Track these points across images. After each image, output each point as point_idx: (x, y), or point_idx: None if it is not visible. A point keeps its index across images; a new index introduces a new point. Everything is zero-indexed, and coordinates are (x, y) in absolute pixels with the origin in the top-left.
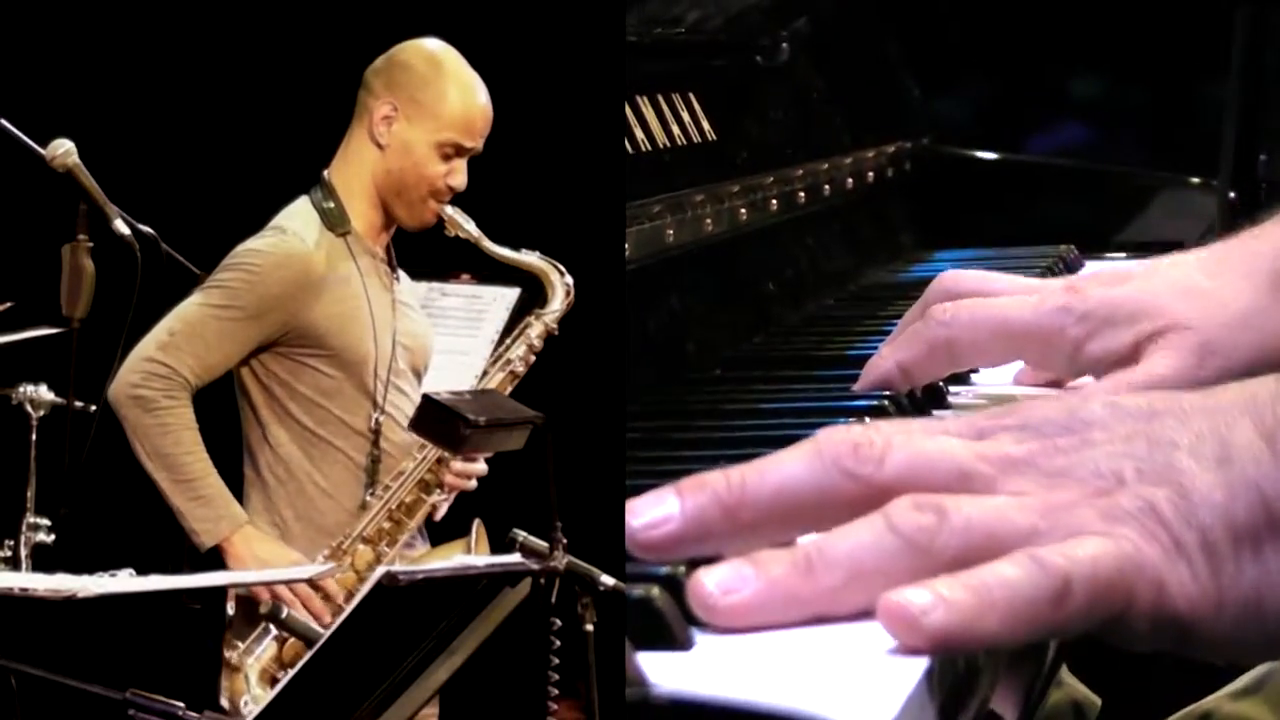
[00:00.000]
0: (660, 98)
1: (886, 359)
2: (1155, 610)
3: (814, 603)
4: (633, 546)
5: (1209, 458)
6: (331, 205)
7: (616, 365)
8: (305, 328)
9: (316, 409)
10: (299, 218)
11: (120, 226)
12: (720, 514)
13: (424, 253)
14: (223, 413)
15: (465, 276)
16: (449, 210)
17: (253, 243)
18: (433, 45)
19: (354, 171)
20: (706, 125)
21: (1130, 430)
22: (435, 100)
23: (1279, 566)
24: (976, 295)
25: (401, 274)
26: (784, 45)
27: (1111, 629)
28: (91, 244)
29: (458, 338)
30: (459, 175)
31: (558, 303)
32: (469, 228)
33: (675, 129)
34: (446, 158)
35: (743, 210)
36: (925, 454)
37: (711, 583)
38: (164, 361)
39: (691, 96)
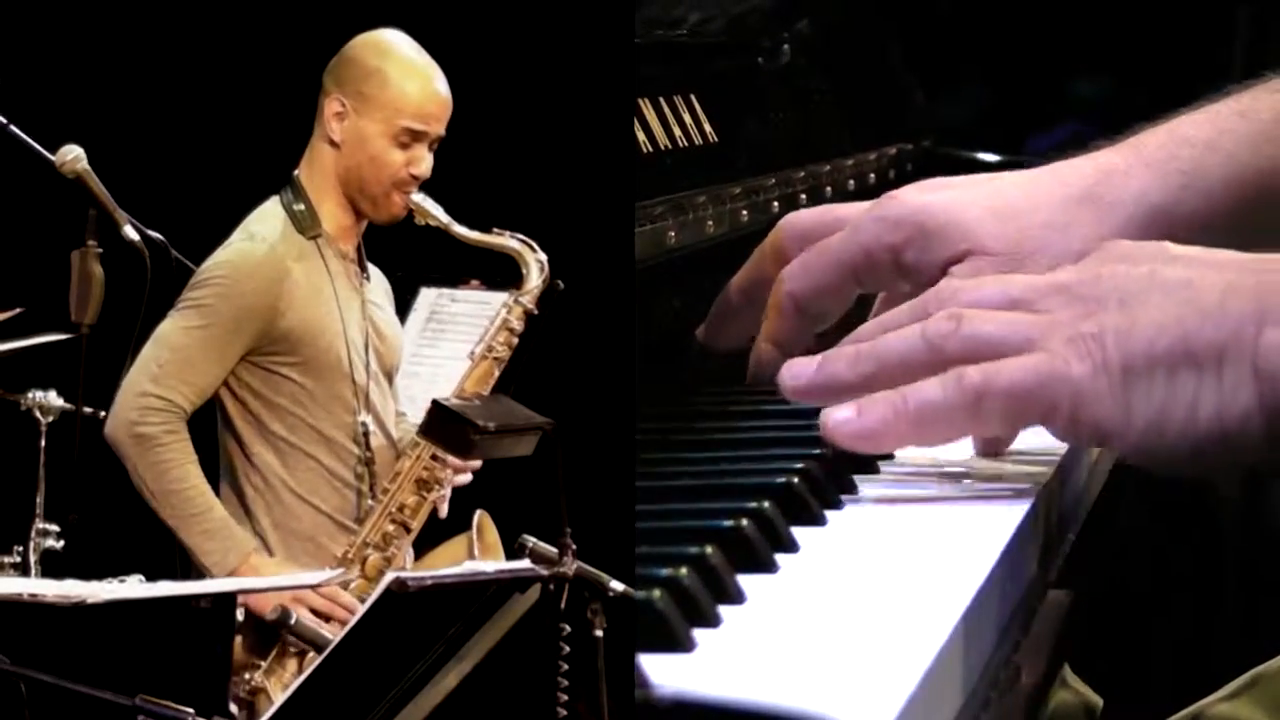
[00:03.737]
0: (662, 100)
1: (759, 342)
2: (1072, 417)
3: (855, 387)
4: (783, 390)
5: (1171, 294)
6: (301, 208)
7: (625, 370)
8: (279, 335)
9: (288, 416)
10: (268, 222)
11: (129, 232)
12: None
13: (434, 260)
14: (200, 422)
15: (474, 283)
16: (415, 198)
17: (221, 254)
18: (383, 35)
19: (318, 172)
20: (708, 127)
21: (1151, 263)
22: (381, 89)
23: (1185, 394)
24: (817, 232)
25: (372, 272)
26: (785, 47)
27: (1045, 428)
28: (101, 250)
29: (468, 343)
30: (421, 163)
31: (534, 281)
32: (437, 214)
33: (677, 131)
34: (403, 146)
35: (744, 212)
36: (982, 290)
37: (785, 369)
38: (158, 394)
39: (693, 98)
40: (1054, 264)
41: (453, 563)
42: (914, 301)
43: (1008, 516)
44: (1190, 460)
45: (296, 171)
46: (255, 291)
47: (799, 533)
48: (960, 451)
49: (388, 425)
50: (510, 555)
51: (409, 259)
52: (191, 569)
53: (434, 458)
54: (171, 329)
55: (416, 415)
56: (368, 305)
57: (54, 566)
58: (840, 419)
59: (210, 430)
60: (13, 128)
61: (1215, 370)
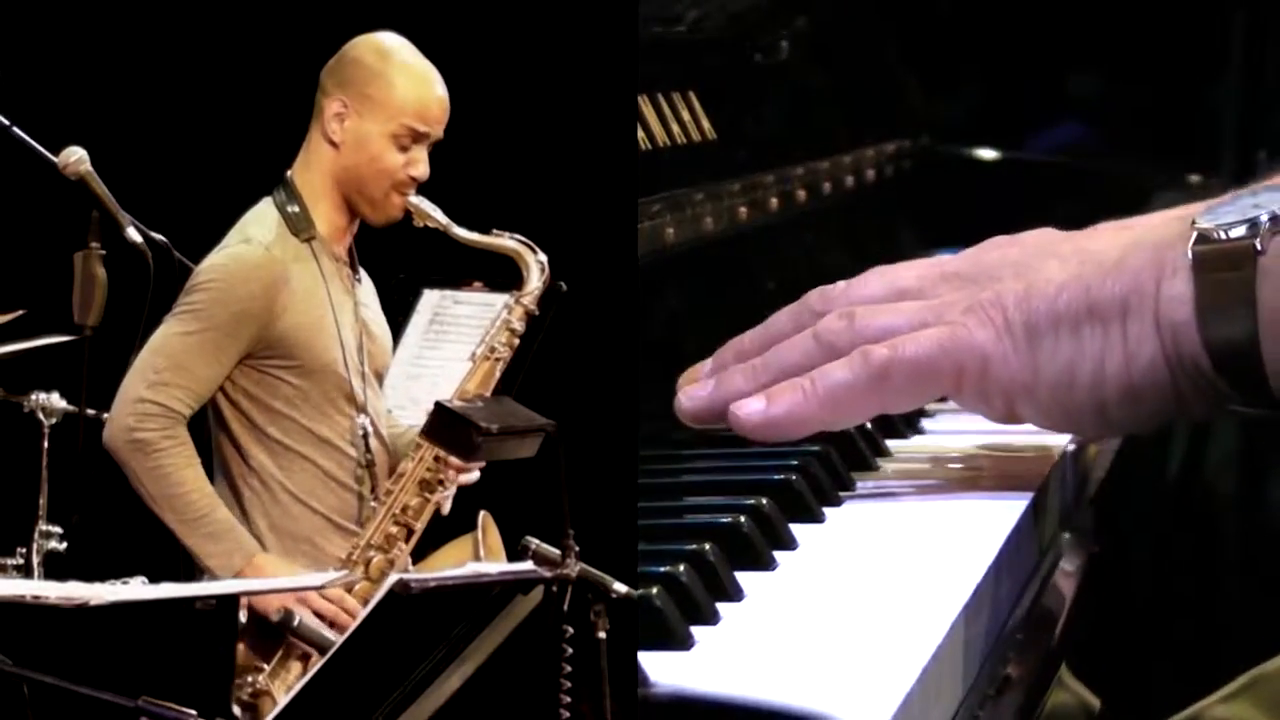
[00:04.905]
0: (660, 96)
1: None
2: (981, 380)
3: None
4: (680, 414)
5: (1068, 260)
6: (295, 209)
7: (627, 371)
8: (274, 339)
9: (284, 419)
10: (262, 224)
11: (132, 234)
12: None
13: (437, 262)
14: (194, 425)
15: (478, 285)
16: (414, 200)
17: (216, 258)
18: (383, 38)
19: (314, 173)
20: (707, 124)
21: (1038, 244)
22: (384, 91)
23: (1091, 348)
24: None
25: (363, 274)
26: (784, 44)
27: (955, 399)
28: (104, 252)
29: (470, 345)
30: (419, 165)
31: (534, 282)
32: (436, 215)
33: (675, 128)
34: (403, 148)
35: (743, 209)
36: (869, 288)
37: (681, 394)
38: (156, 400)
39: (692, 95)
40: None
41: (458, 563)
42: (794, 306)
43: (1006, 515)
44: (1099, 417)
45: (290, 173)
46: (251, 296)
47: (798, 530)
48: (959, 453)
49: (381, 426)
50: (513, 557)
51: (411, 261)
52: (194, 571)
53: (437, 459)
54: (167, 334)
55: (420, 417)
56: (359, 306)
57: (57, 568)
58: (751, 410)
59: (205, 433)
60: (15, 129)
61: (1119, 323)
